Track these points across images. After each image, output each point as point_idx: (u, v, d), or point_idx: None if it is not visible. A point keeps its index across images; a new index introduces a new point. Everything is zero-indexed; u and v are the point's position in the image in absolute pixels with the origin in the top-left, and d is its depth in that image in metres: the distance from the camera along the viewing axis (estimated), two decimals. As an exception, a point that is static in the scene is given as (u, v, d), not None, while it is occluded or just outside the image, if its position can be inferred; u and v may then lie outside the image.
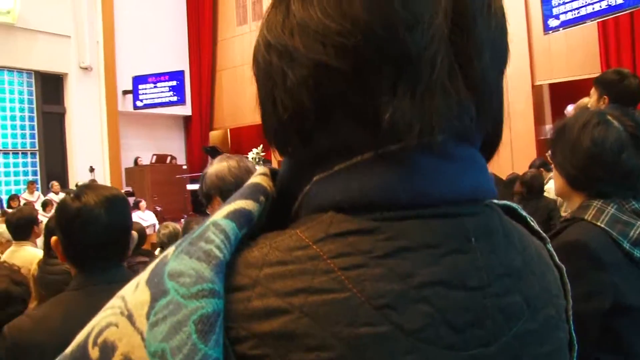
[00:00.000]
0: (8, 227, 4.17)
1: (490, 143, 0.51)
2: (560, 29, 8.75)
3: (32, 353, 1.41)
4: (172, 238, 3.98)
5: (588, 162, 1.36)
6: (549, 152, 1.51)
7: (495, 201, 0.55)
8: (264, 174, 0.50)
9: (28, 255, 3.87)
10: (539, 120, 10.18)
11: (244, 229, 0.44)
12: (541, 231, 0.57)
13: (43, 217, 6.70)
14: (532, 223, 0.56)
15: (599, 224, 1.32)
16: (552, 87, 10.52)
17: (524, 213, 0.57)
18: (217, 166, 2.02)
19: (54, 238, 1.56)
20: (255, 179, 0.49)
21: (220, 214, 0.44)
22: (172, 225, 4.26)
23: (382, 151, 0.43)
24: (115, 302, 0.42)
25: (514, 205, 0.57)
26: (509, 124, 9.92)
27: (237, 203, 0.45)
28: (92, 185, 1.71)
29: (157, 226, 11.46)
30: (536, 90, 10.32)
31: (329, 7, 0.43)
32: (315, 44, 0.42)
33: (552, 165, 1.51)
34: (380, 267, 0.40)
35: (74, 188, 11.37)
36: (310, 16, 0.43)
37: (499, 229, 0.48)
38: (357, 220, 0.42)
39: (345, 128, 0.43)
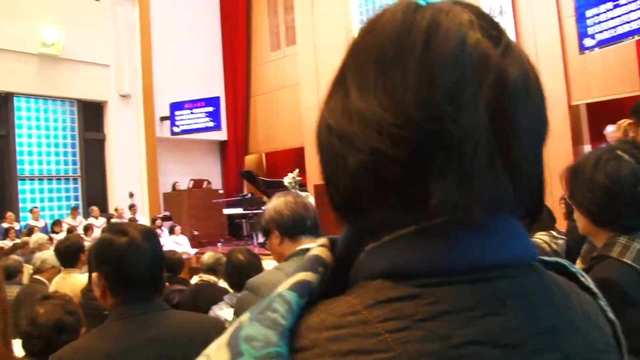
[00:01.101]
0: (57, 254, 4.30)
1: (531, 211, 0.55)
2: (596, 48, 8.65)
3: None
4: (216, 265, 4.05)
5: (606, 198, 1.39)
6: (567, 194, 1.54)
7: (546, 258, 0.59)
8: (323, 245, 0.56)
9: (76, 282, 3.96)
10: (577, 141, 10.01)
11: (305, 298, 0.50)
12: (592, 287, 0.59)
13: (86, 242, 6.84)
14: (582, 279, 0.60)
15: (625, 260, 1.34)
16: (590, 107, 10.36)
17: (574, 269, 0.60)
18: (275, 202, 2.14)
19: (94, 274, 1.62)
20: (315, 250, 0.56)
21: (285, 286, 0.50)
22: (215, 254, 4.34)
23: (425, 225, 0.48)
24: None
25: (565, 262, 0.60)
26: (546, 145, 9.76)
27: (299, 275, 0.52)
28: (125, 222, 1.82)
29: (190, 251, 11.62)
30: (573, 110, 10.17)
31: (385, 100, 0.49)
32: (373, 132, 0.48)
33: (574, 206, 1.53)
34: (422, 329, 0.45)
35: (114, 212, 11.63)
36: (368, 106, 0.49)
37: (537, 290, 0.52)
38: (401, 288, 0.48)
39: (395, 205, 0.50)
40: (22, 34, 11.76)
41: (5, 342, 1.58)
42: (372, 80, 0.50)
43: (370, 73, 0.51)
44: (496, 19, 0.54)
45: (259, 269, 3.21)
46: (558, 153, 9.40)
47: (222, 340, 0.49)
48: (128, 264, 1.59)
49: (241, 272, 3.14)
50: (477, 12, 0.52)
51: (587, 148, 10.17)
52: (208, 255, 4.31)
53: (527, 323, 0.49)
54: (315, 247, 0.56)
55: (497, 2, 10.77)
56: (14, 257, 5.71)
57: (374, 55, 0.51)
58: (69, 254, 4.14)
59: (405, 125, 0.47)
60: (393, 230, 0.50)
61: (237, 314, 2.05)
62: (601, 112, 9.79)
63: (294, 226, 2.08)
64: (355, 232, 0.53)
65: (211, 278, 4.08)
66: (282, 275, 1.98)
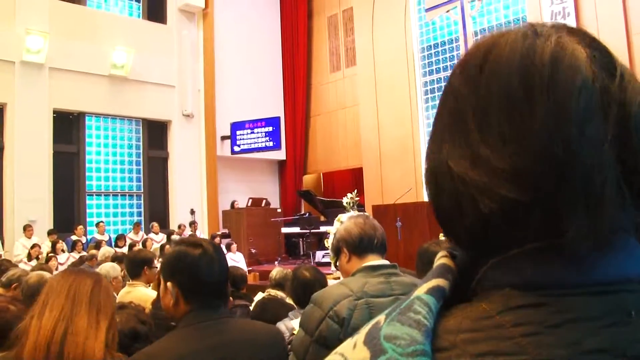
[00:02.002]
0: (126, 262, 4.42)
1: None
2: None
3: None
4: (283, 280, 4.09)
5: None
6: None
7: None
8: (446, 256, 0.58)
9: (141, 295, 4.06)
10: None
11: (440, 302, 0.52)
12: None
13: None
14: None
15: None
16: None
17: None
18: (346, 223, 2.29)
19: (169, 283, 1.75)
20: (442, 260, 0.58)
21: (421, 290, 0.53)
22: (283, 269, 4.41)
23: (552, 241, 0.50)
24: (334, 358, 0.51)
25: None
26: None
27: (434, 281, 0.54)
28: (194, 236, 1.99)
29: (246, 268, 11.74)
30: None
31: (510, 142, 0.50)
32: (501, 180, 0.50)
33: None
34: (552, 335, 0.47)
35: (176, 228, 11.88)
36: (494, 153, 0.51)
37: None
38: (528, 296, 0.50)
39: (523, 233, 0.51)
40: (94, 57, 12.34)
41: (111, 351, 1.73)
42: (497, 122, 0.51)
43: (494, 116, 0.51)
44: (604, 44, 0.55)
45: (324, 285, 3.24)
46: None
47: (357, 339, 0.51)
48: (202, 273, 1.75)
49: (306, 289, 3.16)
50: (588, 41, 0.53)
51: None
52: (276, 271, 4.38)
53: None
54: (440, 257, 0.59)
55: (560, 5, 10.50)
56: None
57: (497, 95, 0.51)
58: (137, 265, 4.25)
59: (543, 171, 0.48)
60: (520, 245, 0.51)
61: (302, 326, 2.10)
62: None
63: (362, 244, 2.18)
64: (481, 248, 0.55)
65: (278, 293, 4.13)
66: (345, 290, 2.04)
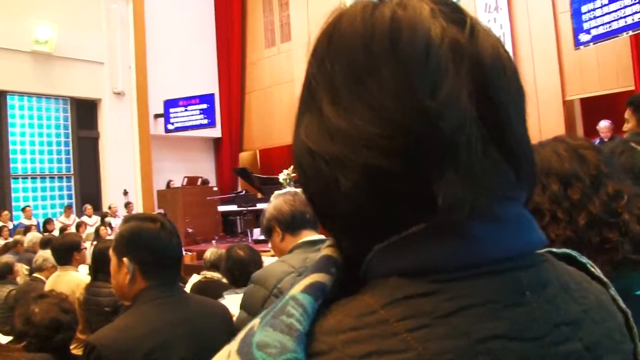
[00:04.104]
0: (52, 252, 4.29)
1: (529, 186, 0.54)
2: (591, 43, 8.68)
3: (121, 359, 1.55)
4: (218, 261, 4.02)
5: None
6: None
7: (555, 250, 0.58)
8: (332, 246, 0.54)
9: (73, 280, 3.97)
10: (571, 136, 10.06)
11: (320, 300, 0.48)
12: (603, 277, 0.58)
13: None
14: (592, 269, 0.58)
15: None
16: (584, 101, 10.41)
17: (584, 260, 0.59)
18: (274, 201, 2.24)
19: (124, 259, 1.70)
20: (325, 251, 0.54)
21: (297, 288, 0.48)
22: (217, 250, 4.32)
23: (436, 221, 0.47)
24: None
25: (574, 253, 0.59)
26: (541, 139, 9.82)
27: (312, 277, 0.50)
28: (146, 213, 1.89)
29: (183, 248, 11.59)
30: (567, 105, 10.22)
31: (366, 113, 0.46)
32: (361, 148, 0.46)
33: None
34: (443, 326, 0.44)
35: (107, 211, 11.60)
36: (350, 123, 0.47)
37: (554, 280, 0.51)
38: (418, 284, 0.46)
39: (401, 210, 0.47)
40: (15, 32, 11.69)
41: None
42: (346, 93, 0.48)
43: (342, 85, 0.48)
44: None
45: (259, 264, 3.23)
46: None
47: (232, 347, 0.47)
48: (162, 248, 1.72)
49: (242, 268, 3.15)
50: None
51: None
52: (210, 252, 4.29)
53: (548, 314, 0.48)
54: (325, 247, 0.54)
55: (493, -2, 10.81)
56: (6, 257, 5.68)
57: (342, 66, 0.49)
58: (63, 251, 4.12)
59: (394, 134, 0.45)
60: (403, 228, 0.48)
61: (244, 307, 2.05)
62: (595, 107, 9.84)
63: (294, 221, 2.15)
64: (362, 234, 0.51)
65: (215, 275, 4.05)
66: (286, 267, 2.01)
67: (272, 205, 2.21)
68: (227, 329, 1.80)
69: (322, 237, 2.12)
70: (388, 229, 0.48)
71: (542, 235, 0.53)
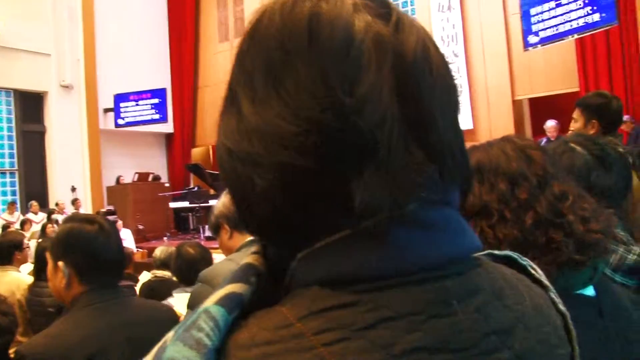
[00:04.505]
0: (-7, 250, 4.13)
1: (463, 188, 0.53)
2: (539, 45, 8.93)
3: None
4: (169, 260, 3.95)
5: None
6: None
7: (496, 252, 0.57)
8: (256, 253, 0.52)
9: (13, 280, 3.85)
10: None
11: (235, 312, 0.46)
12: (543, 279, 0.58)
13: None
14: (533, 271, 0.58)
15: None
16: (532, 101, 10.71)
17: (524, 262, 0.58)
18: (223, 198, 2.22)
19: (59, 263, 1.62)
20: (247, 258, 0.52)
21: (211, 300, 0.46)
22: (167, 248, 4.25)
23: (357, 228, 0.45)
24: None
25: (514, 255, 0.58)
26: (491, 139, 10.04)
27: (228, 287, 0.48)
28: (85, 213, 1.81)
29: (134, 246, 11.41)
30: (516, 105, 10.50)
31: (282, 110, 0.45)
32: (275, 146, 0.44)
33: None
34: (361, 339, 0.42)
35: (54, 207, 11.28)
36: (265, 120, 0.45)
37: (486, 287, 0.50)
38: (338, 295, 0.44)
39: (321, 213, 0.45)
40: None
41: None
42: (264, 91, 0.46)
43: (260, 83, 0.47)
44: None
45: (209, 262, 3.21)
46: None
47: (147, 358, 0.45)
48: (100, 251, 1.64)
49: (192, 266, 3.11)
50: None
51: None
52: (160, 250, 4.23)
53: (476, 324, 0.46)
54: (248, 254, 0.52)
55: (446, -2, 11.00)
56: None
57: (260, 64, 0.47)
58: (4, 250, 3.99)
59: (309, 131, 0.43)
60: (326, 234, 0.46)
61: (191, 307, 2.01)
62: (543, 107, 10.14)
63: None
64: (285, 240, 0.49)
65: (165, 273, 3.99)
66: (233, 265, 1.98)
67: (221, 202, 2.19)
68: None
69: None
70: (310, 235, 0.46)
71: (476, 241, 0.51)
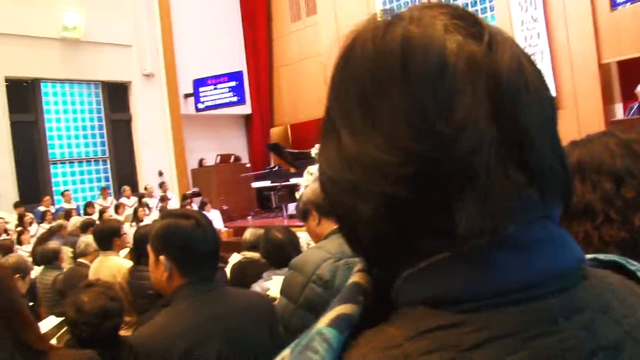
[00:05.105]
0: (94, 237, 4.41)
1: (564, 196, 0.52)
2: (628, 4, 8.40)
3: (160, 357, 1.59)
4: (258, 241, 4.06)
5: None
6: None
7: (601, 257, 0.56)
8: (362, 270, 0.54)
9: (114, 264, 4.09)
10: (607, 100, 9.78)
11: (345, 333, 0.47)
12: None
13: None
14: None
15: None
16: (621, 64, 10.08)
17: (633, 267, 0.56)
18: (312, 185, 2.29)
19: (161, 257, 1.72)
20: (354, 277, 0.54)
21: (324, 322, 0.48)
22: (256, 230, 4.35)
23: (459, 249, 0.45)
24: None
25: (621, 260, 0.56)
26: (576, 105, 9.59)
27: (338, 309, 0.49)
28: (180, 208, 1.91)
29: (222, 226, 11.75)
30: (603, 68, 9.92)
31: (379, 140, 0.45)
32: (375, 177, 0.45)
33: None
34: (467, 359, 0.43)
35: (144, 191, 11.77)
36: (365, 151, 0.46)
37: (591, 302, 0.48)
38: (443, 315, 0.45)
39: (421, 236, 0.47)
40: (43, 20, 11.81)
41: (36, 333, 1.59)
42: (361, 121, 0.47)
43: (356, 113, 0.47)
44: (471, 11, 0.49)
45: (296, 246, 3.25)
46: (588, 113, 9.23)
47: None
48: (197, 245, 1.72)
49: (279, 250, 3.17)
50: (451, 11, 0.48)
51: (619, 107, 9.94)
52: (249, 233, 4.32)
53: (582, 341, 0.45)
54: (355, 272, 0.54)
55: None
56: (53, 243, 5.84)
57: (355, 94, 0.48)
58: (104, 237, 4.22)
59: (407, 162, 0.44)
60: (428, 255, 0.47)
61: (283, 293, 2.09)
62: (633, 70, 9.53)
63: None
64: (388, 261, 0.50)
65: (255, 255, 4.07)
66: (323, 253, 2.03)
67: (310, 188, 2.23)
68: (266, 322, 1.82)
69: None
70: (412, 256, 0.48)
71: (578, 253, 0.50)
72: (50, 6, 11.92)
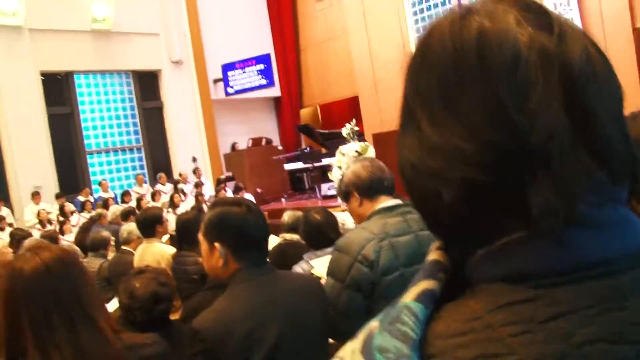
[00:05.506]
0: (138, 225, 4.54)
1: (631, 181, 0.54)
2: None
3: (223, 340, 1.65)
4: (297, 223, 4.10)
5: None
6: None
7: None
8: (439, 248, 0.57)
9: (158, 251, 4.20)
10: (643, 65, 9.52)
11: (430, 307, 0.51)
12: None
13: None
14: None
15: None
16: (657, 26, 9.78)
17: None
18: (352, 166, 2.30)
19: (216, 244, 1.78)
20: (433, 255, 0.57)
21: (409, 296, 0.52)
22: (294, 212, 4.43)
23: (535, 228, 0.48)
24: None
25: None
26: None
27: (423, 284, 0.53)
28: (229, 196, 1.97)
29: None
30: (638, 34, 9.63)
31: (459, 129, 0.49)
32: (457, 163, 0.49)
33: None
34: (542, 331, 0.46)
35: (178, 178, 11.90)
36: (445, 140, 0.50)
37: None
38: (520, 291, 0.48)
39: (499, 217, 0.50)
40: (73, 13, 12.01)
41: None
42: (441, 110, 0.51)
43: (436, 105, 0.51)
44: (541, 2, 0.52)
45: (335, 226, 3.28)
46: (622, 78, 8.97)
47: (355, 346, 0.52)
48: (250, 230, 1.79)
49: (319, 231, 3.21)
50: (521, 4, 0.51)
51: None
52: (288, 215, 4.40)
53: None
54: (433, 250, 0.58)
55: None
56: (104, 231, 5.99)
57: (435, 84, 0.51)
58: (147, 225, 4.35)
59: (486, 150, 0.48)
60: (505, 235, 0.50)
61: (330, 274, 2.14)
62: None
63: (372, 187, 2.20)
64: (467, 240, 0.54)
65: (294, 237, 4.14)
66: (367, 234, 2.07)
67: (351, 170, 2.26)
68: (318, 303, 1.88)
69: (399, 202, 2.16)
70: (488, 236, 0.51)
71: None
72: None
